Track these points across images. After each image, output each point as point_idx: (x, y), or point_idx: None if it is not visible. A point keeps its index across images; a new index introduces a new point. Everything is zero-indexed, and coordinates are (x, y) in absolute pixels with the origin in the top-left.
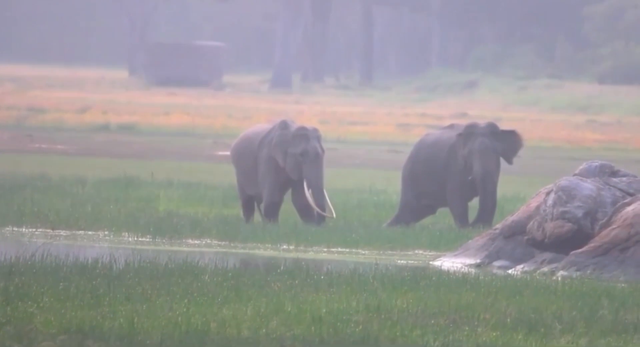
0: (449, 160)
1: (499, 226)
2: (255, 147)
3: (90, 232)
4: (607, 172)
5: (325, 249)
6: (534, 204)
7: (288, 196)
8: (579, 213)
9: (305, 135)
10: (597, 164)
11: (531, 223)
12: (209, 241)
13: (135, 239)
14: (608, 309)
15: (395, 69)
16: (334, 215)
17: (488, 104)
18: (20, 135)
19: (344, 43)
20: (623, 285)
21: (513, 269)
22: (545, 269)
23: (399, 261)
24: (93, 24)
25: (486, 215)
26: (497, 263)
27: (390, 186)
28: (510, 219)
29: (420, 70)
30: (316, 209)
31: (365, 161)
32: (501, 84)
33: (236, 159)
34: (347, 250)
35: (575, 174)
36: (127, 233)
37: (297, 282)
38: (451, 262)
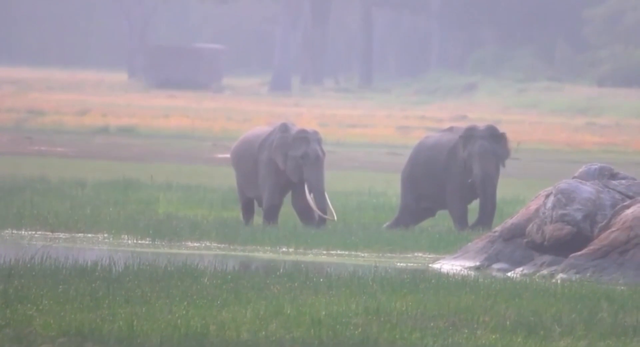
0: (448, 163)
1: (498, 228)
2: (256, 150)
3: (89, 235)
4: (606, 175)
5: (324, 252)
6: (533, 206)
7: (287, 199)
8: (579, 216)
9: (305, 138)
10: (596, 166)
11: (530, 226)
12: (208, 244)
13: (135, 241)
14: (607, 312)
15: (394, 71)
16: (335, 217)
17: (487, 106)
18: (20, 138)
19: (344, 45)
20: (622, 288)
21: (512, 271)
22: (545, 271)
23: (398, 264)
24: (93, 27)
25: (486, 217)
26: (496, 266)
27: (390, 188)
28: (509, 221)
29: (419, 72)
30: (317, 211)
31: (364, 164)
32: (501, 87)
33: (236, 162)
34: (347, 252)
35: (574, 177)
36: (126, 236)
37: (296, 284)
38: (450, 265)
